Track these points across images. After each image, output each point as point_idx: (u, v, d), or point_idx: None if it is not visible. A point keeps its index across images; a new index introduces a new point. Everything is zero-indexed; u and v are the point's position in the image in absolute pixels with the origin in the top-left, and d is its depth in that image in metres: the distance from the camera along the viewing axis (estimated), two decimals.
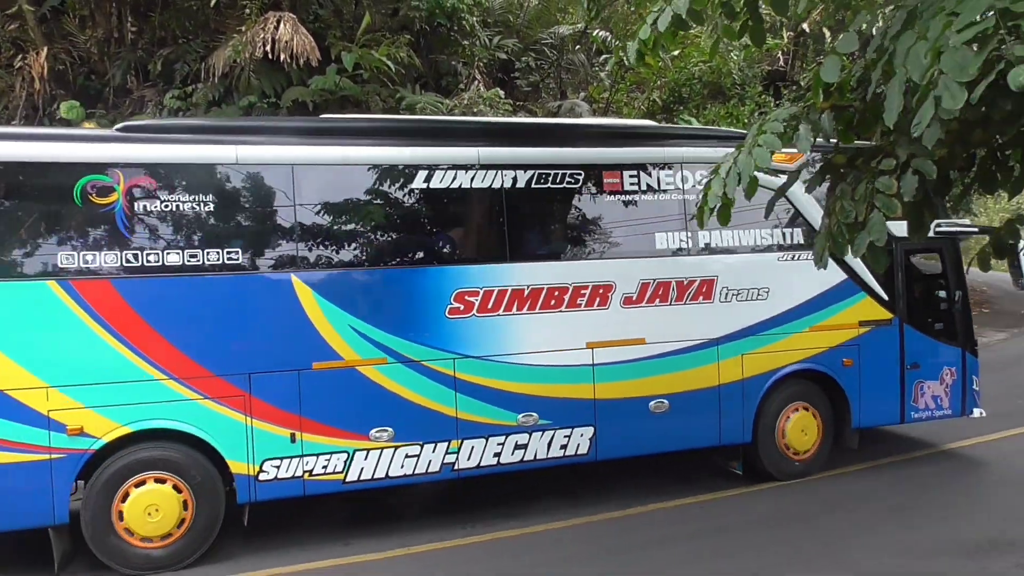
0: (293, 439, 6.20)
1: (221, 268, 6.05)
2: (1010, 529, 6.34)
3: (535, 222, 6.98)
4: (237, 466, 6.08)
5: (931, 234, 8.04)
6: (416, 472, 6.54)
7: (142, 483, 5.86)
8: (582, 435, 6.99)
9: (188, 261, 5.98)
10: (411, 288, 6.56)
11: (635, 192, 7.22)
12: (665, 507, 7.16)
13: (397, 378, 6.47)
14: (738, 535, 6.49)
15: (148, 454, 5.91)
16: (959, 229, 8.39)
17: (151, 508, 5.85)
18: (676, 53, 16.35)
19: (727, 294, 7.42)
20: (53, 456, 5.67)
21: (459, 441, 6.63)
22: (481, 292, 6.66)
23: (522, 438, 6.82)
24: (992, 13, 2.69)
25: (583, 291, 6.96)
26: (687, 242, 7.33)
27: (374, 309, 6.42)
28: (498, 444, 6.75)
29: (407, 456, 6.50)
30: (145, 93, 12.52)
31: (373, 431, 6.40)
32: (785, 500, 7.33)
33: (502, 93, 13.68)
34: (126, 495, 5.82)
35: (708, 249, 7.39)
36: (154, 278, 5.90)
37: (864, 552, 6.01)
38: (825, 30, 17.94)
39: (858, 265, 7.86)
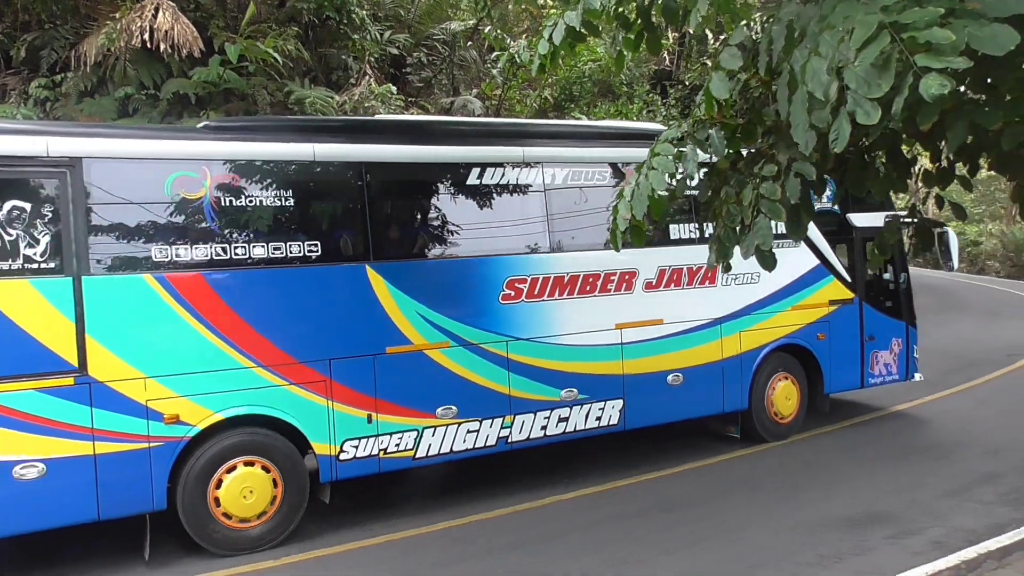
0: (370, 420, 6.61)
1: (302, 260, 6.37)
2: (886, 502, 6.84)
3: (572, 214, 7.63)
4: (320, 447, 6.42)
5: (881, 224, 9.53)
6: (476, 446, 7.09)
7: (235, 467, 6.12)
8: (613, 407, 7.74)
9: (272, 253, 6.26)
10: (469, 276, 7.08)
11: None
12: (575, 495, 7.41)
13: (459, 360, 6.98)
14: (640, 520, 6.68)
15: (240, 439, 6.16)
16: (904, 221, 9.74)
17: (246, 491, 6.12)
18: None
19: (727, 279, 8.38)
20: (152, 444, 5.84)
21: (512, 416, 7.23)
22: (528, 279, 7.27)
23: (564, 412, 7.50)
24: (885, 31, 2.66)
25: (612, 277, 7.72)
26: (695, 232, 8.22)
27: (438, 297, 6.89)
28: (544, 418, 7.40)
29: (468, 432, 7.04)
30: (7, 81, 11.74)
31: (439, 409, 6.89)
32: (697, 482, 7.69)
33: (394, 89, 13.53)
34: (221, 479, 6.07)
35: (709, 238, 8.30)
36: (241, 270, 6.15)
37: (756, 532, 6.30)
38: (708, 32, 18.52)
39: (827, 252, 9.07)
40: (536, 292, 7.32)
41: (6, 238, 5.44)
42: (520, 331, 7.27)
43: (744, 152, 4.49)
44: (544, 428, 7.41)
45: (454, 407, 6.95)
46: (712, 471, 8.09)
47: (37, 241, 5.53)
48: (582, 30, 4.23)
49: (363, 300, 6.59)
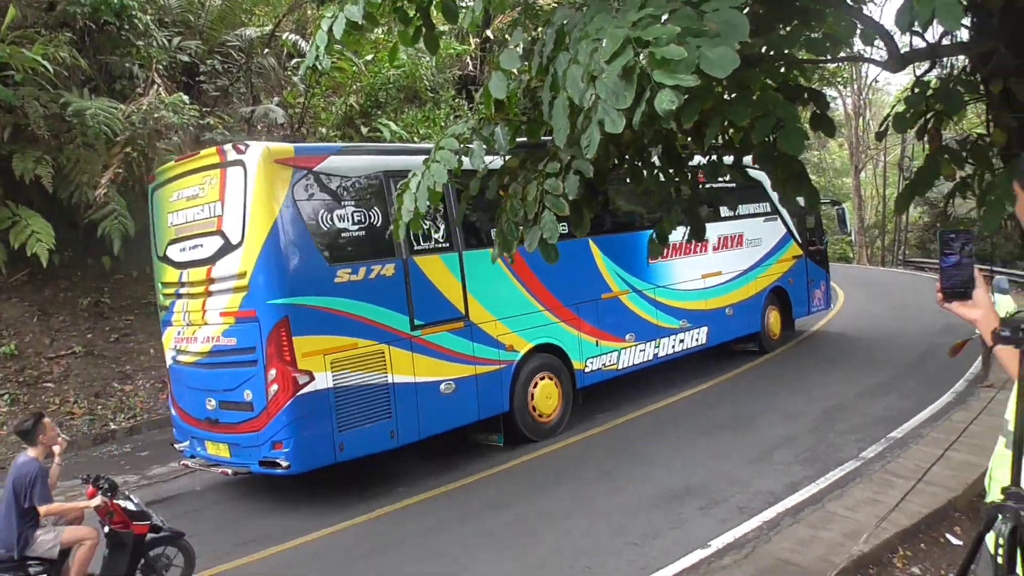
0: (597, 344, 9.63)
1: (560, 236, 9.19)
2: (695, 475, 7.25)
3: None
4: (577, 364, 9.35)
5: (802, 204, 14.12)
6: (643, 360, 10.36)
7: (540, 380, 8.88)
8: (703, 332, 11.39)
9: None
10: (636, 245, 10.29)
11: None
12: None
13: (634, 302, 10.21)
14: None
15: (541, 361, 8.93)
16: (820, 201, 14.42)
17: (547, 395, 8.91)
18: (370, 58, 16.96)
19: (747, 243, 12.38)
20: (501, 366, 8.45)
21: (658, 340, 10.59)
22: None
23: (682, 336, 11.01)
24: (630, 45, 2.72)
25: (698, 243, 11.33)
26: (731, 211, 12.09)
27: (622, 259, 10.04)
28: (672, 340, 10.85)
29: (639, 351, 10.29)
30: None
31: (627, 336, 10.07)
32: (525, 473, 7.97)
33: (187, 98, 12.61)
34: (534, 388, 8.80)
35: (739, 216, 12.24)
36: None
37: (579, 519, 6.47)
38: (507, 37, 19.94)
39: (790, 223, 13.43)
40: (665, 254, 10.72)
41: (425, 227, 7.80)
42: (659, 281, 10.64)
43: (534, 145, 4.66)
44: (673, 347, 10.87)
45: (634, 334, 10.17)
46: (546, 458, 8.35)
47: (439, 228, 7.94)
48: (363, 22, 4.18)
49: (589, 263, 9.60)
